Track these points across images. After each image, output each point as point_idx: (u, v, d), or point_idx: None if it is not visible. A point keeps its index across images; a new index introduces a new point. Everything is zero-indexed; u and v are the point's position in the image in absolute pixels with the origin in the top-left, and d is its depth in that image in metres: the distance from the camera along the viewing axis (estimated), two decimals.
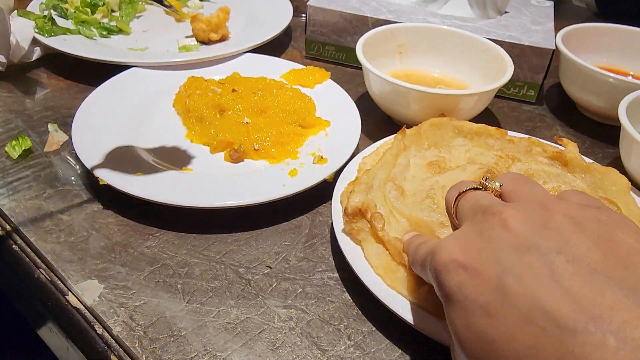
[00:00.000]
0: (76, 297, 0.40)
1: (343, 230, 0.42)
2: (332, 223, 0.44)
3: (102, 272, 0.42)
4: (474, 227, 0.29)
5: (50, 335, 0.46)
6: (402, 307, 0.37)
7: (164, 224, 0.47)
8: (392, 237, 0.40)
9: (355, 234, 0.42)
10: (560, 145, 0.50)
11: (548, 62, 0.64)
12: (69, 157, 0.54)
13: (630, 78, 0.68)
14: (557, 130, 0.64)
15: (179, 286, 0.42)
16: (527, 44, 0.64)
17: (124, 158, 0.50)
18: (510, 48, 0.63)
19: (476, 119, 0.58)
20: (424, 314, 0.36)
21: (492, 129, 0.51)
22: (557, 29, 0.68)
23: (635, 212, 0.43)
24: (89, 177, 0.51)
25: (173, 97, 0.61)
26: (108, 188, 0.47)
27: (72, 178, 0.52)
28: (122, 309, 0.39)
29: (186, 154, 0.54)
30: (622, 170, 0.52)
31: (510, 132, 0.52)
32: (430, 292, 0.37)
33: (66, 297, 0.41)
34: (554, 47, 0.64)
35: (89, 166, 0.48)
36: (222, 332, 0.38)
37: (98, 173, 0.47)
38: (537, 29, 0.68)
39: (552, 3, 0.78)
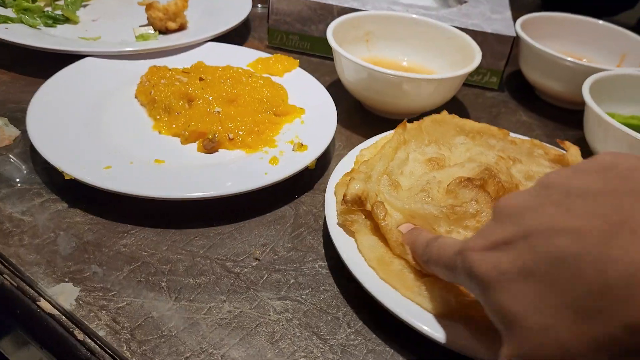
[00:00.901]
0: (49, 303, 0.37)
1: (337, 222, 0.41)
2: (324, 215, 0.43)
3: (76, 274, 0.39)
4: (493, 222, 0.28)
5: (17, 346, 0.42)
6: (394, 302, 0.36)
7: (139, 221, 0.44)
8: (394, 227, 0.38)
9: (349, 225, 0.40)
10: (563, 148, 0.49)
11: (509, 49, 0.66)
12: (23, 153, 0.50)
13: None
14: (520, 116, 0.66)
15: (163, 284, 0.39)
16: (489, 31, 0.65)
17: (89, 152, 0.47)
18: (474, 35, 0.64)
19: (445, 106, 0.59)
20: (417, 309, 0.35)
21: (494, 129, 0.51)
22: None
23: None
24: (49, 174, 0.47)
25: (133, 87, 0.58)
26: (72, 185, 0.44)
27: (30, 175, 0.47)
28: (104, 311, 0.36)
29: (156, 146, 0.50)
30: (587, 151, 0.55)
31: (512, 134, 0.52)
32: (426, 287, 0.36)
33: (37, 303, 0.37)
34: (515, 35, 0.66)
35: (52, 161, 0.44)
36: (216, 329, 0.36)
37: (64, 168, 0.43)
38: (496, 17, 0.69)
39: None
